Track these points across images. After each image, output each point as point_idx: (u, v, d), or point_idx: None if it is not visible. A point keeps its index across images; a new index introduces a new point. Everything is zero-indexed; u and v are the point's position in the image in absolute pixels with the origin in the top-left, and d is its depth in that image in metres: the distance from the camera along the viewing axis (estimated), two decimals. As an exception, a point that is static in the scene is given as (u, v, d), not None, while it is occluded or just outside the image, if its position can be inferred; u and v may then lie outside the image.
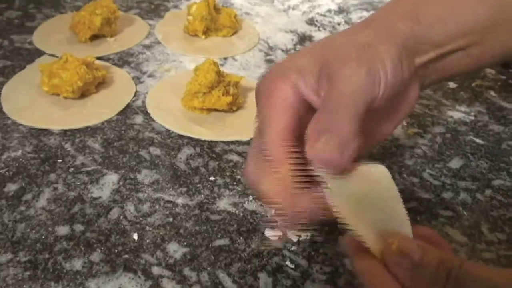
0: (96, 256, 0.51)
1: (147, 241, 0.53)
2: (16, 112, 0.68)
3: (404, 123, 0.70)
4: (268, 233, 0.54)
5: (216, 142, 0.66)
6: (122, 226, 0.54)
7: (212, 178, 0.61)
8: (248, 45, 0.85)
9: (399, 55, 0.45)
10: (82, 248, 0.52)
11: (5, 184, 0.58)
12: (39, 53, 0.80)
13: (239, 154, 0.64)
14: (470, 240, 0.55)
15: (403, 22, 0.46)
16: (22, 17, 0.88)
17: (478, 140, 0.68)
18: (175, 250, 0.52)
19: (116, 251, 0.52)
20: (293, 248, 0.53)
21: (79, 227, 0.54)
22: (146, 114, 0.69)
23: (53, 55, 0.78)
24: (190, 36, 0.86)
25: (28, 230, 0.53)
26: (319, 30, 0.91)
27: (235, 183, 0.60)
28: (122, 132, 0.66)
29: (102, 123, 0.67)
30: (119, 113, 0.69)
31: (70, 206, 0.56)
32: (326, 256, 0.53)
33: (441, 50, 0.48)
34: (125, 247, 0.52)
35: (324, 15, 0.96)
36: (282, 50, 0.85)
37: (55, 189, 0.58)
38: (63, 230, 0.54)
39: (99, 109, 0.69)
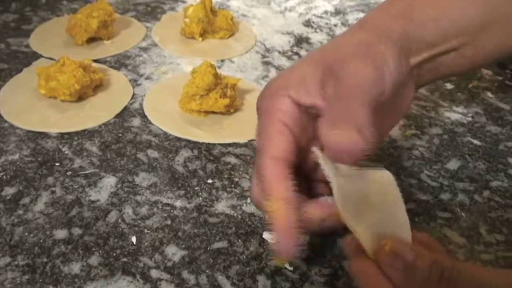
0: (94, 260, 0.51)
1: (146, 244, 0.53)
2: (13, 116, 0.68)
3: (401, 124, 0.70)
4: (267, 235, 0.54)
5: (214, 144, 0.66)
6: (120, 229, 0.54)
7: (210, 181, 0.61)
8: (245, 47, 0.85)
9: (399, 53, 0.45)
10: (80, 252, 0.52)
11: (2, 188, 0.58)
12: (36, 56, 0.79)
13: (236, 156, 0.64)
14: (469, 242, 0.55)
15: (396, 21, 0.47)
16: (18, 20, 0.88)
17: (475, 141, 0.69)
18: (174, 253, 0.52)
19: (114, 254, 0.52)
20: (292, 250, 0.53)
21: (77, 231, 0.54)
22: (143, 116, 0.69)
23: (50, 58, 0.78)
24: (187, 38, 0.86)
25: (26, 233, 0.53)
26: (315, 31, 0.91)
27: (233, 185, 0.60)
28: (120, 135, 0.66)
29: (100, 126, 0.67)
30: (117, 116, 0.69)
31: (68, 210, 0.56)
32: (325, 258, 0.53)
33: (435, 51, 0.48)
34: (123, 250, 0.52)
35: (321, 17, 0.96)
36: (279, 52, 0.85)
37: (53, 192, 0.58)
38: (61, 233, 0.54)
39: (97, 112, 0.69)
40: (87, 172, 0.61)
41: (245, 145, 0.65)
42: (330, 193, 0.43)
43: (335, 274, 0.51)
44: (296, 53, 0.85)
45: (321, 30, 0.92)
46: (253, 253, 0.53)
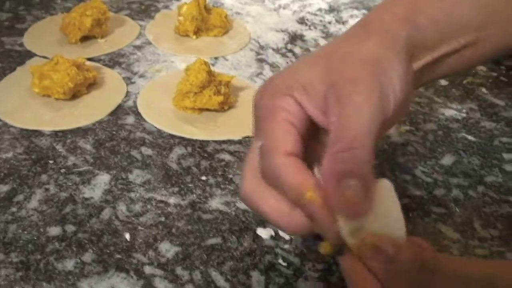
0: (88, 257, 0.51)
1: (139, 240, 0.53)
2: (7, 114, 0.67)
3: (396, 121, 0.70)
4: (260, 231, 0.54)
5: (208, 141, 0.66)
6: (114, 226, 0.54)
7: (204, 178, 0.60)
8: (239, 45, 0.85)
9: (406, 68, 0.44)
10: (74, 249, 0.52)
11: (-4, 186, 0.58)
12: (30, 55, 0.79)
13: (230, 153, 0.64)
14: (463, 237, 0.56)
15: (401, 25, 0.45)
16: (12, 19, 0.88)
17: (470, 137, 0.69)
18: (167, 249, 0.52)
19: (108, 251, 0.52)
20: (286, 246, 0.53)
21: (71, 228, 0.54)
22: (137, 114, 0.69)
23: (43, 57, 0.78)
24: (181, 36, 0.86)
25: (20, 231, 0.53)
26: (310, 29, 0.91)
27: (227, 182, 0.60)
28: (114, 132, 0.66)
29: (94, 124, 0.67)
30: (110, 114, 0.69)
31: (62, 207, 0.56)
32: (318, 254, 0.52)
33: (437, 54, 0.48)
34: (117, 247, 0.52)
35: (315, 14, 0.96)
36: (273, 49, 0.85)
37: (47, 190, 0.58)
38: (54, 230, 0.54)
39: (90, 110, 0.69)
40: (81, 169, 0.61)
41: (239, 142, 0.65)
42: None
43: (329, 269, 0.51)
44: (290, 51, 0.85)
45: (315, 28, 0.92)
46: (246, 249, 0.53)
